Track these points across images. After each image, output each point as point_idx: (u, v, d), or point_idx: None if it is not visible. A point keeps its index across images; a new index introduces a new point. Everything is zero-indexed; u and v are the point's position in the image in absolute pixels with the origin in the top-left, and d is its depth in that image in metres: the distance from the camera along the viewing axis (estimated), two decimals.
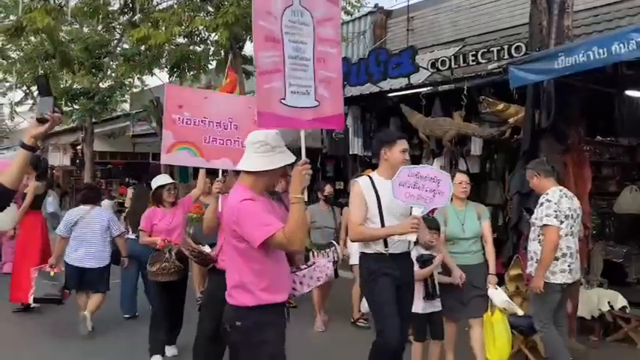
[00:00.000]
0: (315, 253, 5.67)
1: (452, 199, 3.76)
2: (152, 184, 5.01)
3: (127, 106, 17.24)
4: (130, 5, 9.90)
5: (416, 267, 3.91)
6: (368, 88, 8.41)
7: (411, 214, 3.34)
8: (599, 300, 5.41)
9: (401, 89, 7.76)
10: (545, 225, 4.10)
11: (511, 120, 6.06)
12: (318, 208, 6.13)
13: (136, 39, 8.20)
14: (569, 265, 4.19)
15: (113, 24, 10.30)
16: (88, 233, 5.43)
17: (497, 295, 4.22)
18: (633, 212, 7.67)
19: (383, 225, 3.47)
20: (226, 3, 7.82)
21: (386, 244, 3.49)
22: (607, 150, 9.79)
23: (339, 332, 5.82)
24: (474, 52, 6.86)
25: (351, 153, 9.08)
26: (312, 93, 2.79)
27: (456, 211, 4.29)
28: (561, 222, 4.10)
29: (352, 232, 3.62)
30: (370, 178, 3.60)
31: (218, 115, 4.02)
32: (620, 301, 5.40)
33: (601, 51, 3.90)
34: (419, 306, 3.99)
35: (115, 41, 12.01)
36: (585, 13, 7.19)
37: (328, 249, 5.20)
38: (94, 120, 13.65)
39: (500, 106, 6.07)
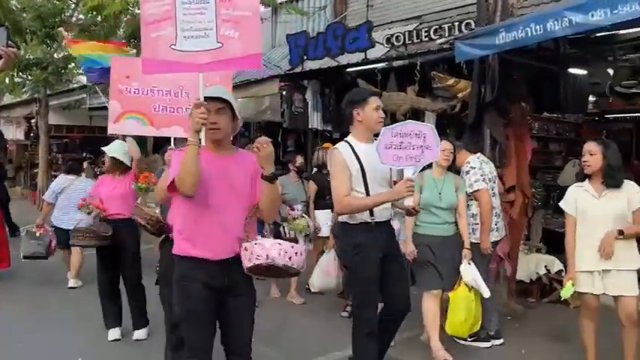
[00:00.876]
0: (287, 230, 5.59)
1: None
2: (107, 150, 4.79)
3: (83, 78, 16.80)
4: None
5: None
6: (326, 63, 8.52)
7: (401, 177, 3.17)
8: (537, 264, 5.79)
9: (358, 64, 7.90)
10: (476, 190, 4.38)
11: (460, 95, 6.30)
12: (288, 179, 6.04)
13: (89, 7, 8.01)
14: (496, 224, 4.54)
15: None
16: (73, 201, 5.95)
17: (469, 271, 4.16)
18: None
19: (368, 194, 3.27)
20: None
21: (371, 213, 3.30)
22: (554, 126, 10.26)
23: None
24: (426, 29, 7.04)
25: (310, 127, 9.21)
26: (213, 35, 2.69)
27: (434, 179, 4.24)
28: (486, 184, 4.41)
29: (339, 205, 3.31)
30: (348, 143, 3.35)
31: (168, 84, 4.03)
32: (557, 266, 5.80)
33: (538, 27, 4.14)
34: None
35: (70, 10, 11.68)
36: None
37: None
38: (48, 92, 13.28)
39: (451, 81, 6.30)
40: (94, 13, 8.73)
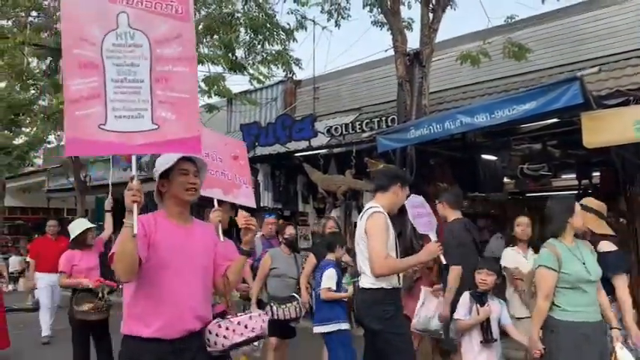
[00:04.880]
0: (275, 309, 4.82)
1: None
2: (72, 228, 5.31)
3: (39, 161, 17.28)
4: (54, 67, 10.54)
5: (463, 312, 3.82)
6: (276, 148, 9.54)
7: (427, 240, 3.57)
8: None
9: (303, 150, 8.95)
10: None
11: None
12: (280, 252, 5.28)
13: (62, 101, 8.75)
14: None
15: (36, 84, 10.77)
16: None
17: (626, 356, 3.35)
18: (497, 256, 9.16)
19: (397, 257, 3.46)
20: None
21: (398, 277, 3.49)
22: (481, 204, 11.49)
23: None
24: (359, 122, 8.23)
25: (262, 205, 10.04)
26: (148, 116, 2.52)
27: (569, 247, 3.36)
28: None
29: (381, 265, 3.33)
30: (382, 209, 3.52)
31: (205, 147, 3.82)
32: None
33: (438, 126, 5.26)
34: (474, 350, 3.76)
35: (34, 98, 12.42)
36: (442, 94, 8.86)
37: (289, 303, 4.85)
38: (7, 175, 13.69)
39: (380, 166, 7.35)
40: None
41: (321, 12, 8.89)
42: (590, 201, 4.00)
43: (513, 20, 7.94)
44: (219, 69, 9.58)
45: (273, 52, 9.20)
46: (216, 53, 9.42)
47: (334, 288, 4.64)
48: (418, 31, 7.10)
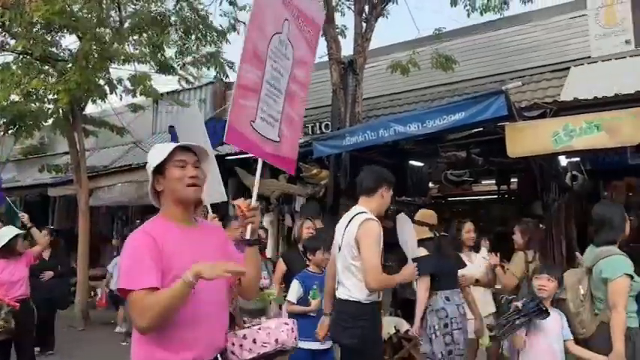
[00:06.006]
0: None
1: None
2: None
3: None
4: None
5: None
6: None
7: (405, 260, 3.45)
8: (388, 325, 6.77)
9: (236, 154, 8.82)
10: None
11: (323, 182, 7.42)
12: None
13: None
14: None
15: None
16: None
17: None
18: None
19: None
20: (70, 70, 8.20)
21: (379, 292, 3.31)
22: (407, 208, 11.87)
23: None
24: None
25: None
26: (277, 127, 2.58)
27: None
28: None
29: (375, 279, 3.10)
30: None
31: None
32: (405, 326, 6.82)
33: (372, 134, 5.38)
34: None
35: None
36: (375, 100, 9.10)
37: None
38: None
39: (314, 170, 7.42)
40: None
41: None
42: (421, 214, 4.41)
43: (441, 32, 8.27)
44: (145, 68, 9.25)
45: (206, 53, 9.00)
46: (142, 52, 9.08)
47: (293, 300, 4.20)
48: (351, 38, 7.25)
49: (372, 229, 3.15)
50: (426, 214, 4.39)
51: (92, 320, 9.08)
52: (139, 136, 11.65)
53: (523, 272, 4.26)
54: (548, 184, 6.42)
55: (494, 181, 10.05)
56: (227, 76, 9.30)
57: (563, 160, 6.49)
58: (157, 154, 2.05)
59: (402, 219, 3.72)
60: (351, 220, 3.28)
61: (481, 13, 8.41)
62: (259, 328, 2.13)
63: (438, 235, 4.20)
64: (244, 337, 2.09)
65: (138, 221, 12.50)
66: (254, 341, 2.09)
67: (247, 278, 2.08)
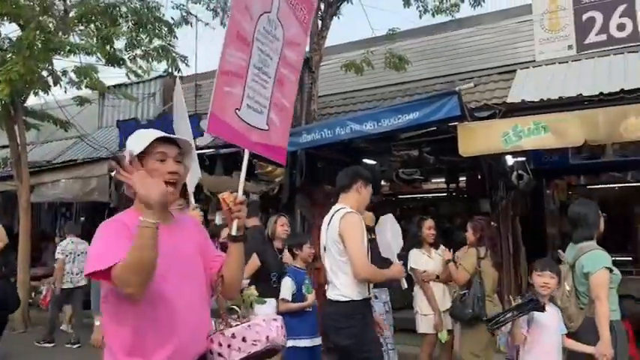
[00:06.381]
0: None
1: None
2: None
3: None
4: None
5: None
6: None
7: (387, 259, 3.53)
8: None
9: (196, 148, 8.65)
10: None
11: (277, 179, 7.39)
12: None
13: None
14: None
15: None
16: None
17: None
18: None
19: None
20: (10, 60, 7.78)
21: (368, 286, 3.30)
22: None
23: None
24: None
25: None
26: (265, 114, 2.41)
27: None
28: None
29: (365, 270, 3.17)
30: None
31: None
32: None
33: (329, 132, 5.41)
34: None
35: None
36: (329, 98, 9.15)
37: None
38: None
39: (269, 168, 7.36)
40: None
41: (207, 9, 8.68)
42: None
43: (395, 32, 8.39)
44: (92, 60, 8.91)
45: (157, 46, 8.75)
46: (89, 43, 8.73)
47: (288, 298, 4.18)
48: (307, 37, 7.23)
49: (354, 222, 3.19)
50: (366, 217, 4.29)
51: (33, 321, 8.69)
52: (85, 130, 11.21)
53: (474, 268, 4.40)
54: (496, 183, 6.65)
55: (443, 180, 10.35)
56: (179, 71, 9.08)
57: (510, 160, 6.74)
58: (137, 141, 1.89)
59: (384, 220, 3.80)
60: (332, 218, 3.32)
61: (433, 15, 8.61)
62: (249, 325, 1.98)
63: (373, 237, 4.24)
64: (233, 335, 1.93)
65: (82, 219, 12.20)
66: (244, 339, 1.93)
67: (230, 275, 2.01)
